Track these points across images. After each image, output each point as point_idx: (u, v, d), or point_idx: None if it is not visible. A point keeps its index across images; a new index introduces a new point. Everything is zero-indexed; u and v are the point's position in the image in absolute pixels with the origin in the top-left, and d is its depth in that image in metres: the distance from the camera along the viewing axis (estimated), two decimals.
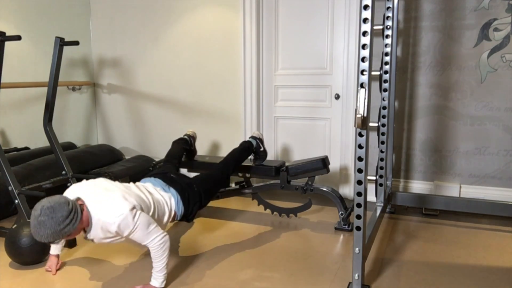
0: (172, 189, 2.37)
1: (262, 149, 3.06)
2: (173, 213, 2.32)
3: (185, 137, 3.19)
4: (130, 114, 4.29)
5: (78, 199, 1.95)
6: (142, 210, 2.04)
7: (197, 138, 3.48)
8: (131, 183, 2.28)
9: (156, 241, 1.99)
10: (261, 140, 3.07)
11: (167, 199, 2.31)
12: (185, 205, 2.37)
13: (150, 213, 2.14)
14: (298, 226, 2.96)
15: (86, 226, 1.93)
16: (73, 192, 2.00)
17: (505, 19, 2.95)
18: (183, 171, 3.56)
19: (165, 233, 2.04)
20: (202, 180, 2.59)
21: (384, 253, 2.50)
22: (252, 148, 3.02)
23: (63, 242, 2.33)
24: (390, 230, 2.86)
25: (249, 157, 3.15)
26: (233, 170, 2.87)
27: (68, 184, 3.03)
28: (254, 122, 3.74)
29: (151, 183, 2.38)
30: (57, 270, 2.29)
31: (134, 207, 1.97)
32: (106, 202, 1.95)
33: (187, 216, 2.43)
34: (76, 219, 1.84)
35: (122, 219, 1.91)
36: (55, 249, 2.30)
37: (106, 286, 2.14)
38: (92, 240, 2.00)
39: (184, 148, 3.10)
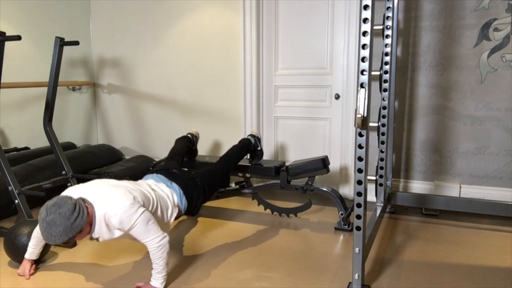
0: (174, 184, 2.39)
1: (259, 148, 3.08)
2: (176, 207, 2.33)
3: (188, 135, 3.20)
4: (130, 114, 4.29)
5: (79, 197, 1.94)
6: (144, 205, 2.04)
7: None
8: (132, 181, 2.27)
9: (154, 242, 1.98)
10: (259, 139, 3.09)
11: (170, 194, 2.31)
12: (188, 200, 2.38)
13: (154, 208, 2.15)
14: (298, 226, 2.96)
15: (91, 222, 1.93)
16: (71, 194, 1.99)
17: (505, 19, 2.95)
18: None
19: (165, 235, 2.02)
20: (205, 175, 2.61)
21: (384, 253, 2.50)
22: (250, 145, 3.04)
23: (40, 248, 2.22)
24: (390, 230, 2.85)
25: (245, 157, 3.15)
26: (233, 166, 2.89)
27: (68, 184, 3.03)
28: (254, 122, 3.74)
29: (153, 180, 2.39)
30: (30, 274, 2.22)
31: (136, 202, 1.97)
32: (109, 196, 1.96)
33: (191, 210, 2.44)
34: (83, 212, 1.83)
35: (124, 211, 1.91)
36: (30, 254, 2.21)
37: (106, 285, 2.14)
38: (97, 239, 1.99)
39: (187, 145, 3.11)
